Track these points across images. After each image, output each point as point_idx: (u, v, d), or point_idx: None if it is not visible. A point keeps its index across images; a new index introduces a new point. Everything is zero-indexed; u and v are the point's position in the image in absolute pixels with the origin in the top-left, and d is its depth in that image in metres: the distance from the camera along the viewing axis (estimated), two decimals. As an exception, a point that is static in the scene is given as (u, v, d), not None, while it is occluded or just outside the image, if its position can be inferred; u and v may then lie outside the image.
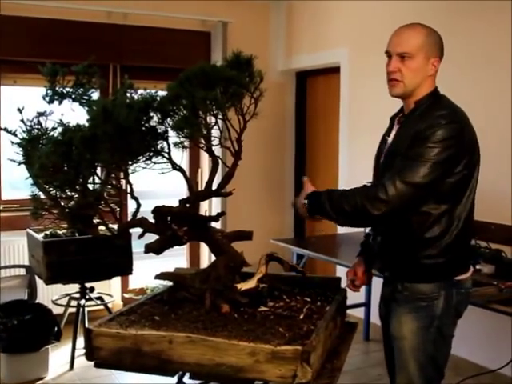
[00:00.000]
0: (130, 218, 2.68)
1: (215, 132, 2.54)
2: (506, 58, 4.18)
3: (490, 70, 4.34)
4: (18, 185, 5.70)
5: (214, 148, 2.57)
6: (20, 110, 2.72)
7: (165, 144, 2.51)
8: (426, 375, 2.62)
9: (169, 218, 2.61)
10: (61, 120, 2.72)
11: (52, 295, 5.31)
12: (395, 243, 2.64)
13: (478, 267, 3.83)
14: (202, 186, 6.14)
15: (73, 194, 2.61)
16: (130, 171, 2.57)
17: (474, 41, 4.46)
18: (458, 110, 2.62)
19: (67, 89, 2.88)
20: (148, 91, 2.59)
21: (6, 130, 2.71)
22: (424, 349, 2.59)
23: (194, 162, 6.50)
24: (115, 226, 2.75)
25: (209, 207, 6.31)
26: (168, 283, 2.77)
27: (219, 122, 2.53)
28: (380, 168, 2.70)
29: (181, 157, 2.58)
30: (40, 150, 2.58)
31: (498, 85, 4.25)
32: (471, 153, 2.54)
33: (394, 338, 2.67)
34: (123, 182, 2.64)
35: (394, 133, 2.69)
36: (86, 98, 2.90)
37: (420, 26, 2.61)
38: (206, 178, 2.66)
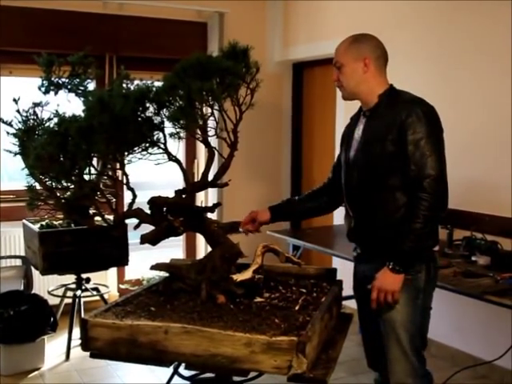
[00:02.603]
0: (126, 208, 2.68)
1: (211, 123, 2.54)
2: (505, 50, 4.17)
3: (490, 61, 4.33)
4: (15, 176, 5.69)
5: (210, 139, 2.57)
6: (16, 101, 2.71)
7: (161, 135, 2.50)
8: (415, 345, 2.84)
9: (164, 208, 2.61)
10: (57, 111, 2.71)
11: (48, 286, 5.32)
12: (375, 225, 2.84)
13: (473, 258, 3.84)
14: (198, 177, 6.13)
15: (69, 184, 2.61)
16: (125, 162, 2.56)
17: (473, 34, 4.46)
18: None
19: (63, 79, 2.87)
20: (144, 82, 2.58)
21: (1, 120, 2.70)
22: (414, 320, 2.80)
23: (190, 153, 6.50)
24: (111, 217, 2.75)
25: (205, 198, 6.30)
26: (164, 274, 2.77)
27: (215, 112, 2.53)
28: (353, 158, 2.92)
29: (177, 148, 2.58)
30: (36, 141, 2.57)
31: (498, 75, 4.24)
32: None
33: (384, 313, 2.80)
34: (119, 172, 2.64)
35: (362, 127, 2.92)
36: (81, 88, 2.89)
37: (350, 36, 2.96)
38: (202, 169, 2.66)
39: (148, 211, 2.60)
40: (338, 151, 3.09)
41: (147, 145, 2.50)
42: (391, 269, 2.68)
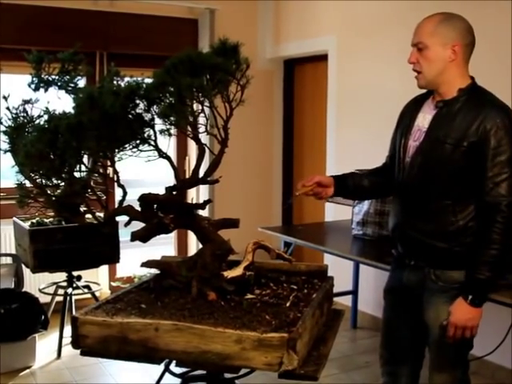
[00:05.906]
0: (116, 206, 2.67)
1: (202, 119, 2.53)
2: (506, 42, 4.17)
3: (491, 56, 4.33)
4: (5, 173, 5.67)
5: (200, 135, 2.56)
6: (5, 98, 2.70)
7: (151, 131, 2.50)
8: (463, 353, 2.80)
9: (155, 205, 2.60)
10: (47, 108, 2.70)
11: (39, 284, 5.31)
12: (425, 231, 2.67)
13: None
14: (189, 174, 6.13)
15: (59, 182, 2.60)
16: (116, 159, 2.55)
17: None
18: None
19: (53, 76, 2.86)
20: (134, 78, 2.57)
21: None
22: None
23: (181, 150, 6.49)
24: (102, 215, 2.74)
25: (196, 195, 6.30)
26: (155, 271, 2.77)
27: (206, 109, 2.52)
28: (414, 152, 2.69)
29: (167, 144, 2.57)
30: (25, 138, 2.56)
31: (499, 71, 4.24)
32: None
33: (431, 327, 2.75)
34: (110, 169, 2.63)
35: (429, 117, 2.67)
36: (72, 85, 2.88)
37: (439, 14, 2.62)
38: (193, 166, 2.66)
39: (138, 208, 2.59)
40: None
41: (138, 142, 2.49)
42: (470, 303, 2.56)
